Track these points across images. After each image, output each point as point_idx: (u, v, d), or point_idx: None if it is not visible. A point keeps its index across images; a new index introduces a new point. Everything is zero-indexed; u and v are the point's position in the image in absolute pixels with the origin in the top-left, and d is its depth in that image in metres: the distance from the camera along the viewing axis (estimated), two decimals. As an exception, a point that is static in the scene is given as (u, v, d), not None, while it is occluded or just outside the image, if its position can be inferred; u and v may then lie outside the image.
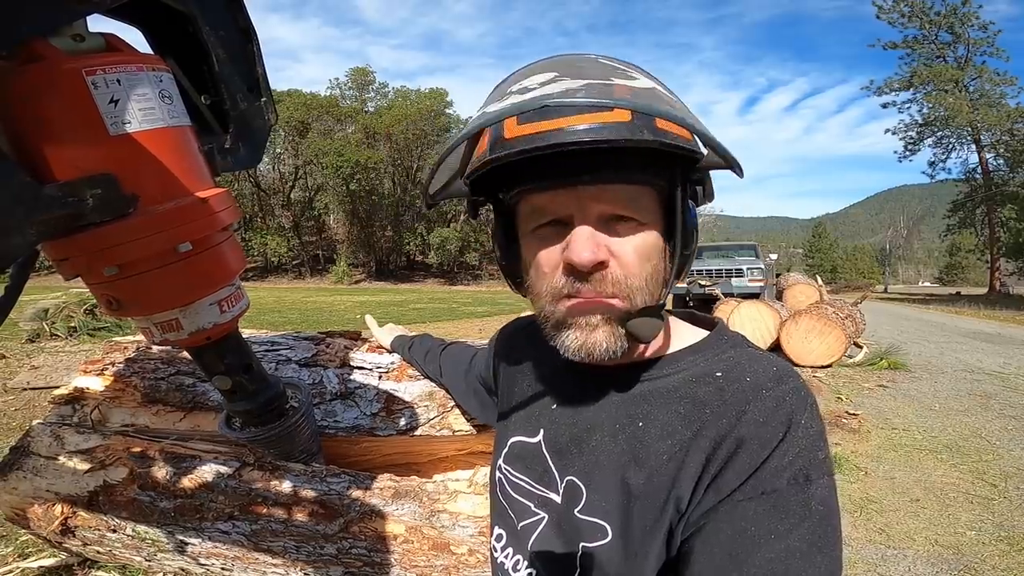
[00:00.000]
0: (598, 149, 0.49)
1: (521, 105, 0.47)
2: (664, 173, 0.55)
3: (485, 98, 0.57)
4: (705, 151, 0.54)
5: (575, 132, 0.48)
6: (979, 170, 31.26)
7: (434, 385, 1.34)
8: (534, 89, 0.49)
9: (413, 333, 1.42)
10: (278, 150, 41.60)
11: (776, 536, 0.48)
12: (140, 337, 1.61)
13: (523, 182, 0.56)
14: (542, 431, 0.69)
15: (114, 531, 1.34)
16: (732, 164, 0.53)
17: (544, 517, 0.66)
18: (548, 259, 0.57)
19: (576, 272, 0.54)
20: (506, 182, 0.58)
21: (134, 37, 0.75)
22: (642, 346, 0.63)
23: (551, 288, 0.57)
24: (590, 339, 0.56)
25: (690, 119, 0.48)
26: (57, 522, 1.35)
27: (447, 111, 42.61)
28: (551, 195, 0.55)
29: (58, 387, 1.58)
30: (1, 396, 4.15)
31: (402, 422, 1.34)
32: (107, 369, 1.54)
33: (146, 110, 0.66)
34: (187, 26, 0.77)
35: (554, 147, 0.48)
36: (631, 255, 0.55)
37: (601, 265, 0.54)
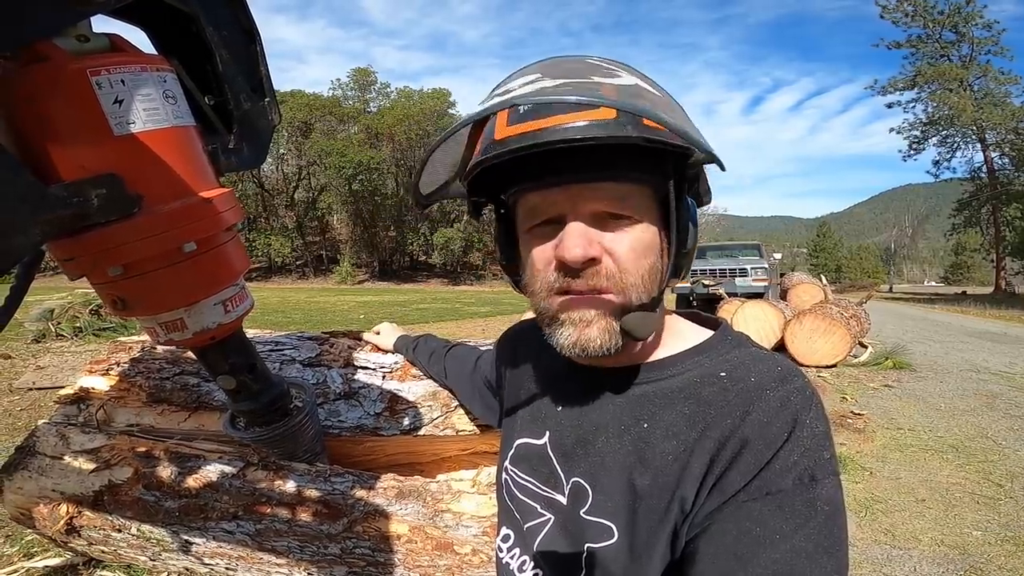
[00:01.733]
0: (589, 147, 0.49)
1: (492, 106, 0.48)
2: (656, 169, 0.55)
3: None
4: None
5: (559, 131, 0.48)
6: (984, 169, 31.13)
7: (438, 385, 1.34)
8: (514, 91, 0.50)
9: (415, 334, 1.42)
10: (281, 151, 41.69)
11: (781, 536, 0.48)
12: (145, 337, 1.61)
13: (519, 182, 0.57)
14: (548, 433, 0.69)
15: (119, 531, 1.35)
16: (713, 159, 0.54)
17: (550, 518, 0.66)
18: (542, 256, 0.57)
19: (568, 268, 0.55)
20: (504, 182, 0.59)
21: (138, 38, 0.75)
22: (646, 347, 0.63)
23: (545, 283, 0.57)
24: (584, 335, 0.56)
25: (667, 115, 0.49)
26: (62, 522, 1.36)
27: (450, 111, 42.64)
28: (545, 194, 0.56)
29: (63, 387, 1.58)
30: (7, 396, 4.17)
31: (406, 422, 1.34)
32: (112, 369, 1.54)
33: (150, 110, 0.66)
34: (191, 26, 0.77)
35: (538, 146, 0.49)
36: (626, 251, 0.55)
37: (593, 261, 0.54)
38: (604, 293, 0.55)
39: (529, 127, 0.50)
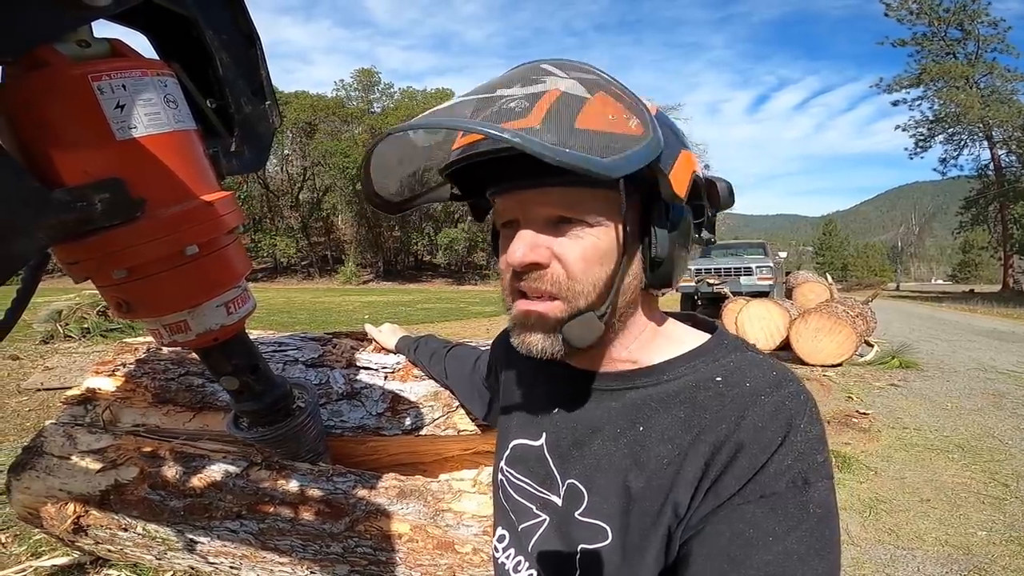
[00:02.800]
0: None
1: (411, 124, 0.49)
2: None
3: None
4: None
5: (484, 143, 0.50)
6: (991, 166, 30.91)
7: (439, 385, 1.35)
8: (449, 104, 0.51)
9: (416, 334, 1.42)
10: (286, 151, 41.88)
11: (774, 538, 0.48)
12: (151, 339, 1.63)
13: (488, 186, 0.61)
14: (544, 434, 0.69)
15: (125, 530, 1.36)
16: (608, 180, 0.47)
17: (545, 519, 0.66)
18: (503, 259, 0.60)
19: (516, 271, 0.57)
20: (486, 183, 0.61)
21: (139, 42, 0.76)
22: (642, 350, 0.64)
23: (505, 284, 0.60)
24: (527, 340, 0.59)
25: (581, 137, 0.45)
26: (69, 521, 1.37)
27: (453, 111, 42.59)
28: (504, 198, 0.59)
29: (71, 388, 1.60)
30: (15, 397, 4.21)
31: (407, 422, 1.35)
32: (118, 370, 1.56)
33: (152, 115, 0.67)
34: (191, 31, 0.78)
35: (470, 157, 0.53)
36: (576, 259, 0.55)
37: (538, 266, 0.55)
38: (552, 298, 0.56)
39: (470, 139, 0.52)
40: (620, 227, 0.55)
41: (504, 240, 0.60)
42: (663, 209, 0.55)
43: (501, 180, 0.57)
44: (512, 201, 0.57)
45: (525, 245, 0.55)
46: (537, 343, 0.58)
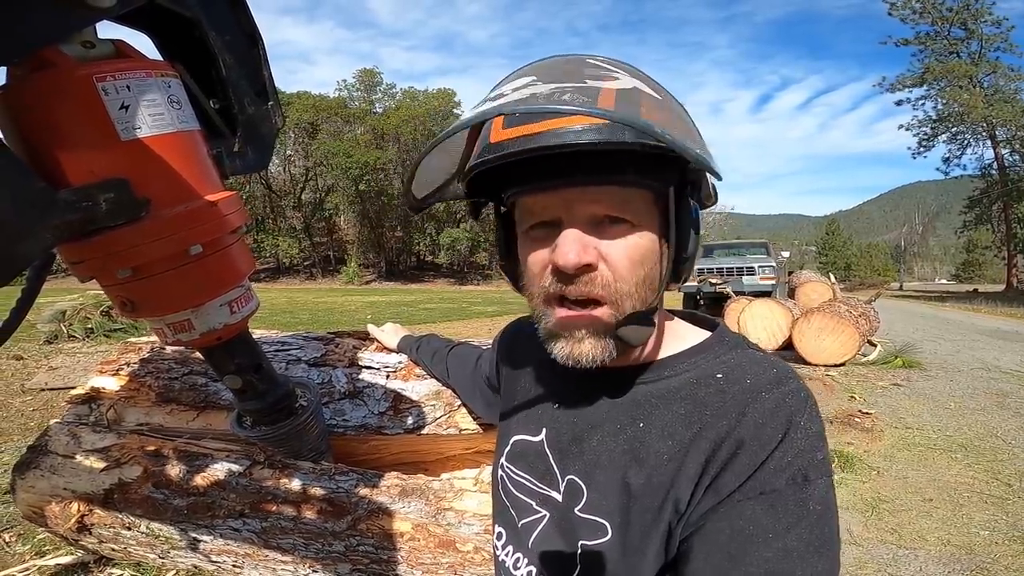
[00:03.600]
0: (586, 151, 0.49)
1: (482, 113, 0.46)
2: (657, 173, 0.53)
3: None
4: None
5: (553, 135, 0.48)
6: (995, 166, 30.78)
7: (441, 384, 1.35)
8: (507, 96, 0.48)
9: (418, 334, 1.43)
10: (288, 152, 41.95)
11: (774, 535, 0.48)
12: (154, 338, 1.64)
13: (517, 184, 0.56)
14: (544, 430, 0.70)
15: (129, 529, 1.37)
16: (707, 168, 0.50)
17: (545, 515, 0.66)
18: (537, 260, 0.57)
19: (563, 274, 0.54)
20: (503, 183, 0.58)
21: (143, 43, 0.76)
22: (643, 348, 0.64)
23: (541, 289, 0.57)
24: (576, 349, 0.56)
25: (661, 123, 0.46)
26: (74, 520, 1.38)
27: (455, 111, 42.69)
28: (541, 197, 0.55)
29: (75, 387, 1.61)
30: (20, 396, 4.23)
31: (409, 421, 1.35)
32: (122, 369, 1.57)
33: (156, 115, 0.67)
34: (194, 31, 0.78)
35: (533, 151, 0.49)
36: (622, 259, 0.54)
37: (588, 268, 0.53)
38: (598, 301, 0.55)
39: (523, 131, 0.50)
40: (659, 227, 0.55)
41: (535, 242, 0.57)
42: (689, 208, 0.56)
43: (533, 178, 0.54)
44: (555, 199, 0.54)
45: (579, 246, 0.53)
46: (588, 351, 0.56)
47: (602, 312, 0.55)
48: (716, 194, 0.62)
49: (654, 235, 0.55)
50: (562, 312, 0.56)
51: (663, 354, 0.64)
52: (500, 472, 0.75)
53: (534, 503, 0.68)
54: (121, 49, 0.69)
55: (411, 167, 0.58)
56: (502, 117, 0.52)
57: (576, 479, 0.63)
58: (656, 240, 0.55)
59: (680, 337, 0.66)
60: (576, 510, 0.61)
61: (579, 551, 0.60)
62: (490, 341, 1.41)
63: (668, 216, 0.55)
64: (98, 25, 0.66)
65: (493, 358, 0.96)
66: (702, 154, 0.47)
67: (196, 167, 0.74)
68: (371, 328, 1.54)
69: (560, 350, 0.58)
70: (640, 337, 0.56)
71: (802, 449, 0.51)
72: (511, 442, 0.75)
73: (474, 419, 1.33)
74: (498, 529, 0.75)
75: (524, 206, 0.58)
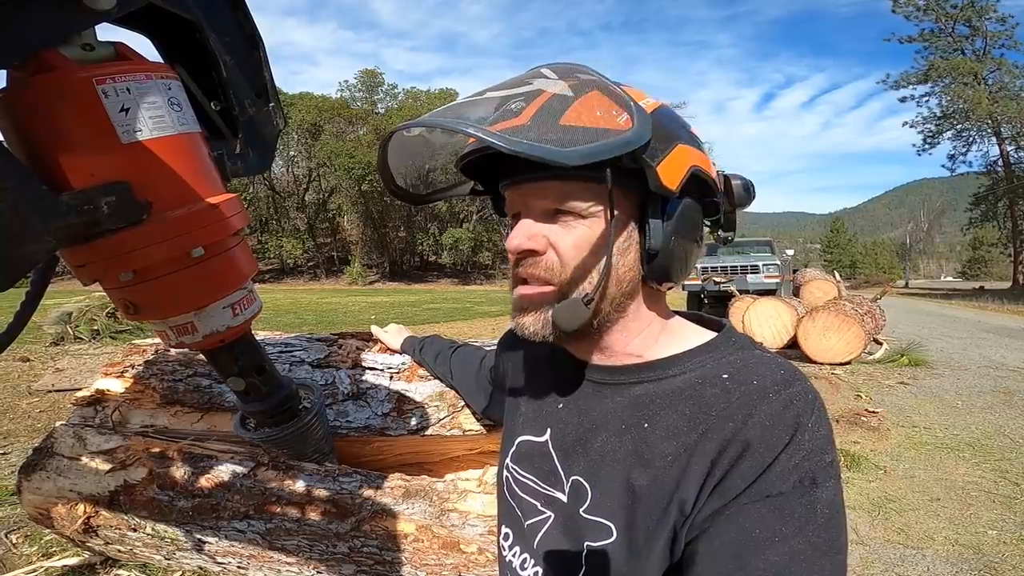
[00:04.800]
0: None
1: (402, 126, 0.57)
2: (595, 167, 0.51)
3: None
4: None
5: (485, 140, 0.50)
6: (1000, 163, 30.60)
7: (444, 385, 1.35)
8: (460, 100, 0.56)
9: (422, 335, 1.43)
10: (291, 153, 42.03)
11: (781, 539, 0.48)
12: (159, 340, 1.64)
13: (502, 179, 0.63)
14: (549, 430, 0.69)
15: (134, 530, 1.37)
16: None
17: (550, 516, 0.66)
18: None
19: (517, 258, 0.61)
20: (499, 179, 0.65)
21: (143, 45, 0.76)
22: (647, 346, 0.64)
23: (511, 271, 0.64)
24: (519, 321, 0.63)
25: (575, 134, 0.48)
26: (80, 521, 1.39)
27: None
28: (510, 192, 0.63)
29: (81, 389, 1.61)
30: (26, 398, 4.26)
31: (413, 422, 1.35)
32: (127, 371, 1.57)
33: (156, 118, 0.67)
34: (194, 34, 0.78)
35: (470, 153, 0.59)
36: (568, 247, 0.58)
37: (533, 253, 0.59)
38: (546, 284, 0.60)
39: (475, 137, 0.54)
40: (628, 219, 0.58)
41: (511, 231, 0.63)
42: (658, 201, 0.57)
43: (505, 175, 0.61)
44: (516, 194, 0.62)
45: (523, 233, 0.59)
46: (529, 324, 0.61)
47: (549, 292, 0.60)
48: (735, 188, 0.63)
49: (605, 227, 0.57)
50: (519, 290, 0.63)
51: (667, 353, 0.63)
52: (505, 473, 0.75)
53: (539, 504, 0.68)
54: (121, 51, 0.69)
55: (380, 166, 0.65)
56: None
57: (581, 480, 0.63)
58: (605, 232, 0.57)
59: (685, 337, 0.65)
60: (581, 511, 0.61)
61: (584, 552, 0.60)
62: (493, 342, 1.41)
63: (644, 210, 0.57)
64: (98, 28, 0.67)
65: (498, 359, 0.96)
66: (596, 149, 0.47)
67: (197, 169, 0.74)
68: (375, 329, 1.54)
69: (513, 323, 0.64)
70: (568, 320, 0.58)
71: (810, 452, 0.50)
72: (516, 443, 0.74)
73: (478, 420, 1.33)
74: (504, 530, 0.75)
75: (506, 199, 0.65)
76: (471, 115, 0.52)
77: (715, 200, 0.62)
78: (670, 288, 0.64)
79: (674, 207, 0.57)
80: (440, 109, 0.55)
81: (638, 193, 0.57)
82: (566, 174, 0.55)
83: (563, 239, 0.58)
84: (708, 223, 0.64)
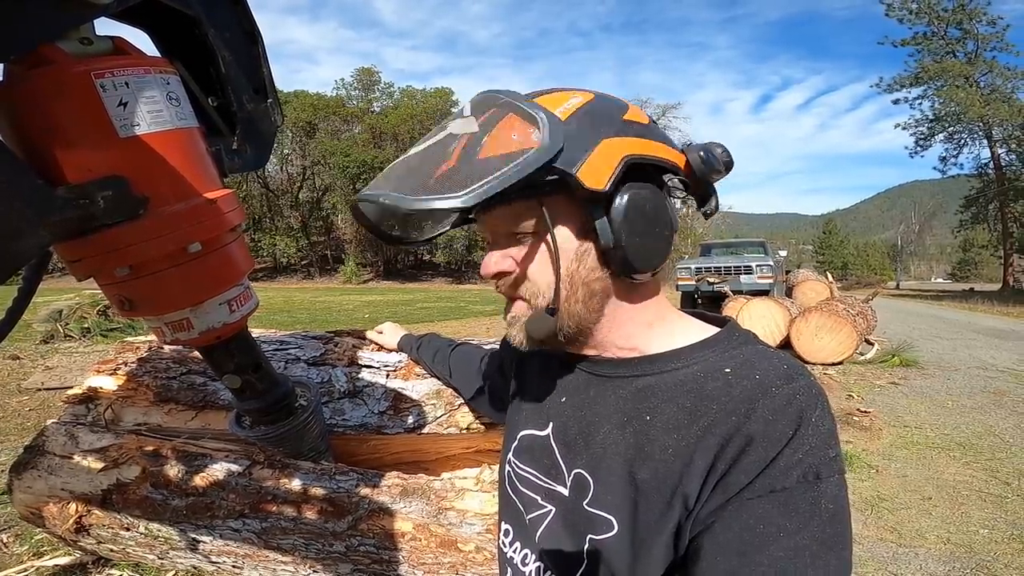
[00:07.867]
0: None
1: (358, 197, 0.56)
2: (531, 188, 0.55)
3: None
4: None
5: (394, 207, 0.52)
6: (991, 165, 30.87)
7: (441, 383, 1.34)
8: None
9: (418, 333, 1.42)
10: (286, 151, 41.79)
11: (785, 534, 0.48)
12: (152, 337, 1.63)
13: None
14: (551, 424, 0.70)
15: (127, 529, 1.36)
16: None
17: (551, 510, 0.66)
18: None
19: (492, 280, 0.66)
20: None
21: (142, 40, 0.76)
22: (649, 340, 0.64)
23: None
24: (507, 334, 0.68)
25: (478, 165, 0.51)
26: (72, 520, 1.37)
27: (452, 110, 42.56)
28: (479, 221, 0.67)
29: (72, 387, 1.60)
30: (16, 396, 4.21)
31: (410, 420, 1.35)
32: (120, 369, 1.56)
33: (154, 112, 0.67)
34: (193, 29, 0.78)
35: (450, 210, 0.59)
36: (528, 264, 0.62)
37: (502, 274, 0.64)
38: (519, 299, 0.64)
39: None
40: (578, 230, 0.60)
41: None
42: (600, 200, 0.57)
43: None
44: (482, 223, 0.66)
45: (490, 260, 0.64)
46: (514, 336, 0.65)
47: (521, 307, 0.64)
48: (693, 160, 0.61)
49: (559, 239, 0.59)
50: (507, 307, 0.67)
51: (666, 347, 0.63)
52: (507, 468, 0.75)
53: (540, 498, 0.68)
54: (119, 46, 0.68)
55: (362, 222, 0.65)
56: None
57: (583, 472, 0.63)
58: (555, 242, 0.59)
59: (687, 332, 0.65)
60: (584, 504, 0.61)
61: (586, 546, 0.60)
62: (490, 340, 1.41)
63: (593, 215, 0.58)
64: (97, 22, 0.66)
65: (501, 356, 0.96)
66: (491, 184, 0.49)
67: (195, 164, 0.73)
68: (370, 334, 1.54)
69: (506, 334, 0.70)
70: (538, 330, 0.62)
71: (813, 446, 0.50)
72: (518, 437, 0.75)
73: (476, 418, 1.33)
74: (505, 526, 0.75)
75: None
76: (403, 175, 0.54)
77: (679, 178, 0.61)
78: (648, 277, 0.62)
79: (619, 202, 0.57)
80: (380, 175, 0.56)
81: (579, 198, 0.57)
82: (507, 199, 0.56)
83: (523, 258, 0.62)
84: (679, 199, 0.63)
